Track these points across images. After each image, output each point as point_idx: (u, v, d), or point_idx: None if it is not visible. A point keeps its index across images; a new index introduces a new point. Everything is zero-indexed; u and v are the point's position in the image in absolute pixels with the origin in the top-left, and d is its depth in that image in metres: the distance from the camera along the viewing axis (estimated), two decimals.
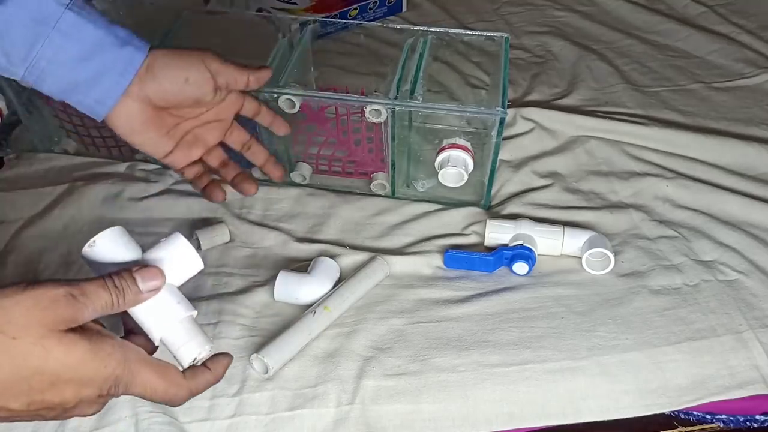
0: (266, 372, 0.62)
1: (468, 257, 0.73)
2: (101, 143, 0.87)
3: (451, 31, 0.83)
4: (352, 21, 1.15)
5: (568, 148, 0.90)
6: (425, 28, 0.83)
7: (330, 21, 1.08)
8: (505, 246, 0.74)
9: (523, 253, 0.72)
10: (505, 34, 0.82)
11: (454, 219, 0.81)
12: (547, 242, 0.74)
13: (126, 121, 0.63)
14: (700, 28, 1.14)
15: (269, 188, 0.84)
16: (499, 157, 0.79)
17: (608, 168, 0.86)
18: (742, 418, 0.66)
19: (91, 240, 0.47)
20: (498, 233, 0.75)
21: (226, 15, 1.02)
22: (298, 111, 0.75)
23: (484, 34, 0.83)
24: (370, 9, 1.18)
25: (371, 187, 0.83)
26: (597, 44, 1.12)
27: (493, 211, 0.82)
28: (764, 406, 0.66)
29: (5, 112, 0.82)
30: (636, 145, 0.89)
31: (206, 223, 0.79)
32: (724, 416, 0.66)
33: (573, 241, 0.74)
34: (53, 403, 0.41)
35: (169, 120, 0.67)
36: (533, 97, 1.00)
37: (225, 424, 0.60)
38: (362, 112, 0.73)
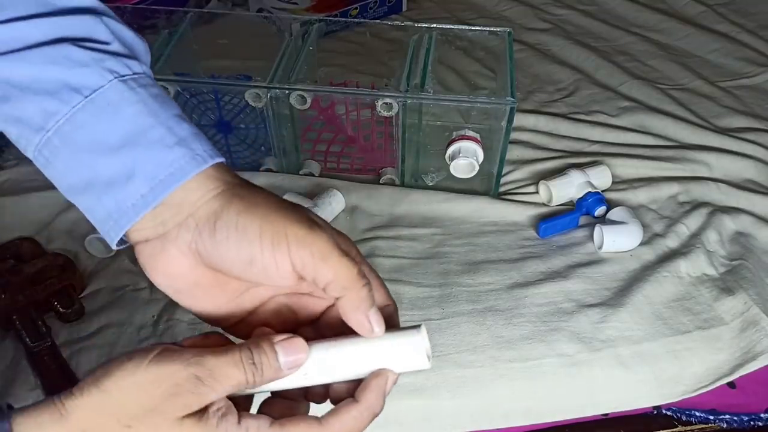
0: None
1: (559, 221, 0.77)
2: None
3: (454, 27, 0.83)
4: (354, 20, 1.15)
5: (569, 148, 0.90)
6: (428, 25, 0.83)
7: (331, 20, 1.08)
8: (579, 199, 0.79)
9: (599, 198, 0.78)
10: (507, 29, 0.82)
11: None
12: (601, 180, 0.81)
13: (164, 273, 0.38)
14: (700, 27, 1.14)
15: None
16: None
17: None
18: (746, 417, 0.66)
19: None
20: (563, 189, 0.79)
21: (228, 16, 1.02)
22: (309, 108, 0.74)
23: (487, 29, 0.83)
24: (371, 8, 1.18)
25: (380, 182, 0.83)
26: (597, 42, 1.12)
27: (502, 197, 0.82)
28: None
29: None
30: (640, 145, 0.90)
31: None
32: (727, 416, 0.66)
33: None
34: None
35: (234, 285, 0.39)
36: (532, 97, 1.00)
37: None
38: (373, 107, 0.73)
